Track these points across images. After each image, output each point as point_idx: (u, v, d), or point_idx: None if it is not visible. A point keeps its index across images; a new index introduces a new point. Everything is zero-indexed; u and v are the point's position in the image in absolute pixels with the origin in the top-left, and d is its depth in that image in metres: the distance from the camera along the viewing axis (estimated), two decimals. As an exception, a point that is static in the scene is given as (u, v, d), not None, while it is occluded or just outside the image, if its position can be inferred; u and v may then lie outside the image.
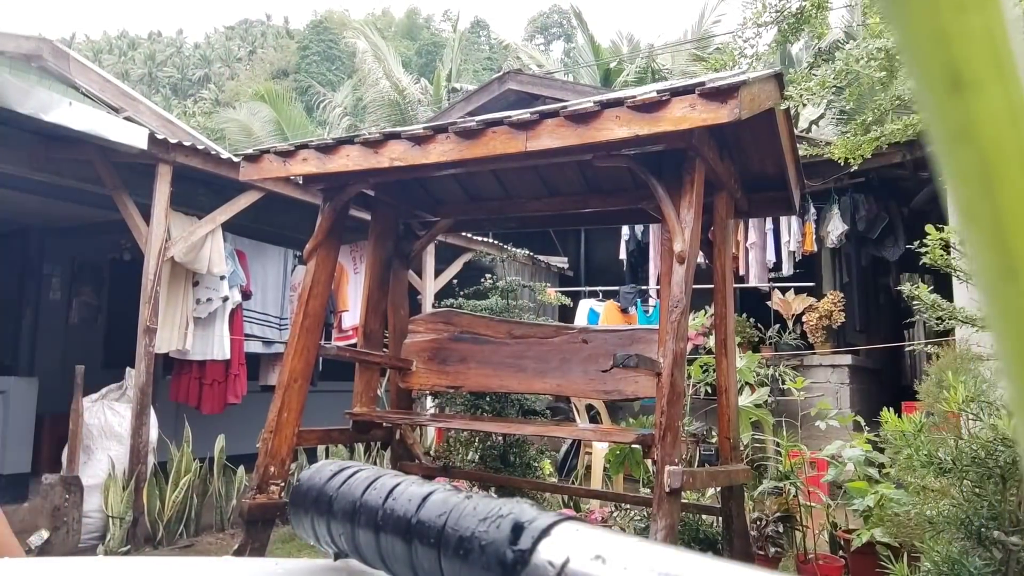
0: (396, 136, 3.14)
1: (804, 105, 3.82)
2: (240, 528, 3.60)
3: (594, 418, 6.49)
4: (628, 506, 4.39)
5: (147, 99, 8.24)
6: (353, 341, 5.77)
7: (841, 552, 3.74)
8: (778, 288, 7.23)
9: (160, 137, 4.75)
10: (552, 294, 7.76)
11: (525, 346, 3.46)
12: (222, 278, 5.35)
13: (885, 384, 7.55)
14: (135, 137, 4.50)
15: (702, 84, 2.58)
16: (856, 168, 4.47)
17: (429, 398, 5.40)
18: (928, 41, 0.14)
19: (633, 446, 4.28)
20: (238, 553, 3.18)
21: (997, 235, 0.14)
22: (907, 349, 6.99)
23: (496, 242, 7.79)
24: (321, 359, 5.02)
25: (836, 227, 6.99)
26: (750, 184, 3.56)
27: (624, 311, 7.80)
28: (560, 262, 9.53)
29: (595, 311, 7.85)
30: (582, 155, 2.90)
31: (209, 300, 5.34)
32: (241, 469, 5.02)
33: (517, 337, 3.53)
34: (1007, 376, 0.15)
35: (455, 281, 6.45)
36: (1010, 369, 0.15)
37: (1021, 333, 0.15)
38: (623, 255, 8.54)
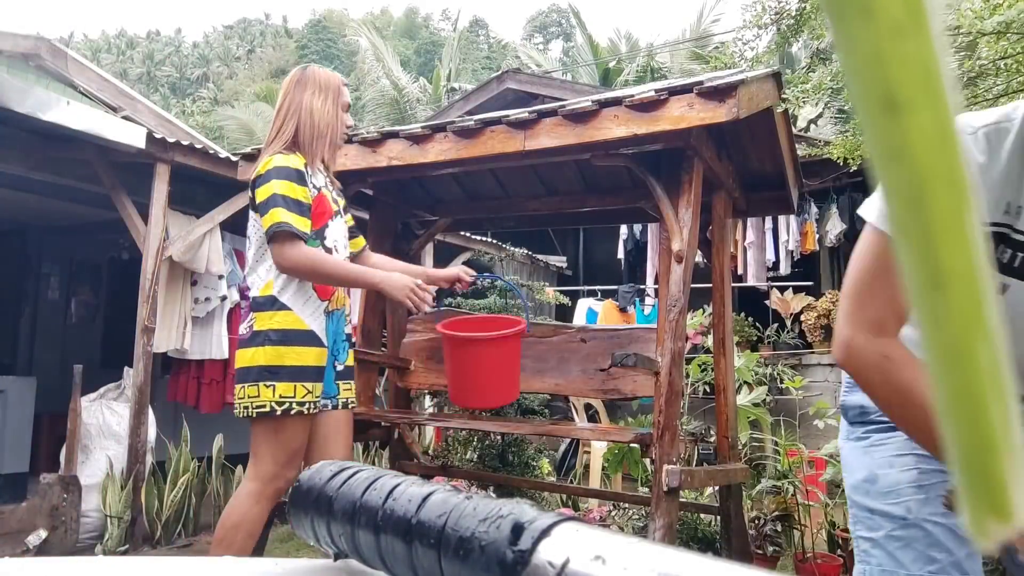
0: (394, 135, 3.15)
1: (802, 105, 3.83)
2: (239, 527, 3.60)
3: (592, 417, 6.50)
4: (626, 505, 4.39)
5: (145, 98, 8.23)
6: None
7: (839, 551, 3.74)
8: (776, 287, 7.24)
9: (158, 136, 4.75)
10: (551, 293, 7.76)
11: (524, 345, 3.46)
12: (220, 277, 5.35)
13: (883, 383, 7.55)
14: (133, 136, 4.50)
15: (700, 83, 2.58)
16: (855, 168, 4.48)
17: (427, 397, 5.41)
18: (866, 64, 0.15)
19: (631, 445, 4.29)
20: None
21: (926, 248, 0.16)
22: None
23: (495, 241, 7.79)
24: (320, 358, 5.01)
25: (835, 226, 7.00)
26: (748, 183, 3.56)
27: (622, 310, 7.80)
28: (559, 261, 9.54)
29: (593, 310, 7.86)
30: (580, 154, 2.90)
31: (207, 299, 5.34)
32: (239, 468, 5.01)
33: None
34: (934, 381, 0.16)
35: (454, 280, 6.44)
36: (936, 374, 0.16)
37: (945, 339, 0.16)
38: (621, 254, 8.55)
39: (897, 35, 0.15)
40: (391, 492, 0.42)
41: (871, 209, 1.11)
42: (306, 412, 2.32)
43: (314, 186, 2.41)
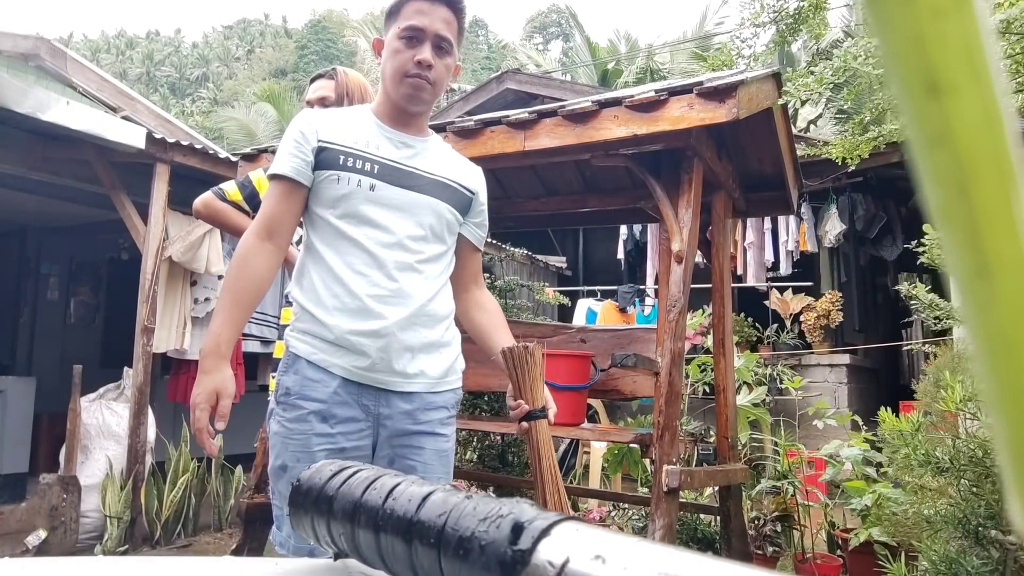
0: (394, 135, 3.13)
1: (803, 103, 3.83)
2: (238, 528, 3.60)
3: (592, 417, 6.50)
4: (626, 505, 4.39)
5: (145, 98, 8.23)
6: (351, 341, 5.75)
7: (839, 551, 3.74)
8: (776, 287, 7.24)
9: (158, 136, 4.75)
10: (550, 293, 7.76)
11: (523, 346, 3.46)
12: (220, 277, 5.35)
13: (883, 383, 7.56)
14: (133, 136, 4.50)
15: (700, 84, 2.58)
16: (854, 168, 4.48)
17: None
18: (906, 46, 0.15)
19: (631, 445, 4.29)
20: (236, 553, 3.18)
21: (971, 235, 0.15)
22: (905, 348, 7.00)
23: (494, 241, 7.79)
24: (319, 359, 5.01)
25: (834, 227, 6.99)
26: (748, 184, 3.56)
27: (622, 310, 7.80)
28: (558, 261, 9.54)
29: (593, 310, 7.85)
30: (580, 155, 2.90)
31: (207, 300, 5.34)
32: (239, 469, 5.02)
33: (515, 336, 3.53)
34: (981, 371, 0.16)
35: (453, 281, 6.43)
36: (983, 364, 0.16)
37: (993, 329, 0.15)
38: (621, 254, 8.55)
39: (938, 16, 0.14)
40: (391, 492, 0.42)
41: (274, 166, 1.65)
42: None
43: None
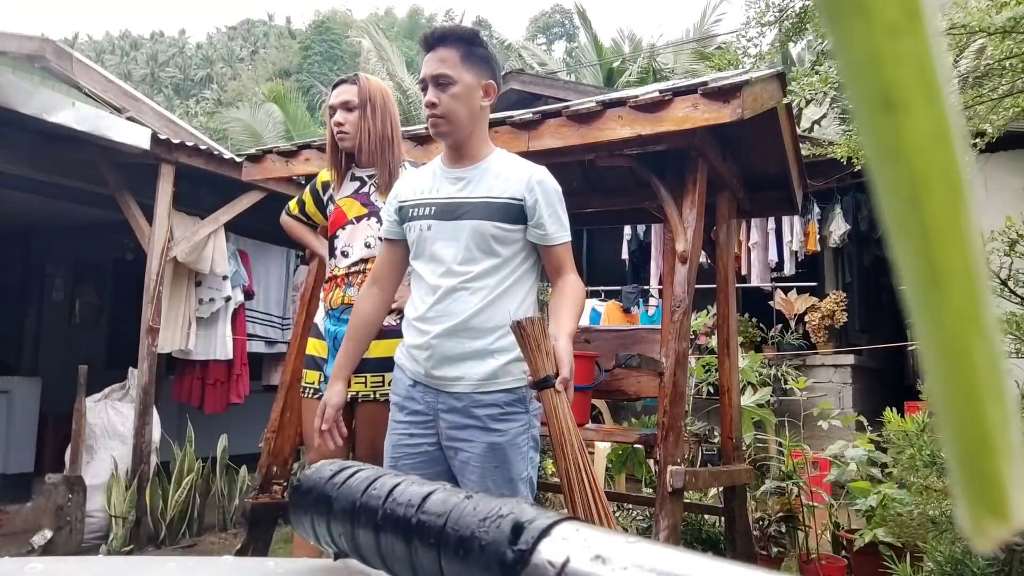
0: (398, 136, 3.13)
1: (807, 103, 3.82)
2: (243, 528, 3.61)
3: (596, 418, 6.49)
4: (630, 506, 4.39)
5: (149, 99, 8.24)
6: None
7: (844, 552, 3.73)
8: (780, 288, 7.22)
9: (163, 137, 4.76)
10: (554, 294, 7.73)
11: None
12: (225, 278, 5.36)
13: (887, 384, 7.54)
14: (138, 137, 4.51)
15: (704, 84, 2.58)
16: (859, 167, 4.46)
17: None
18: (862, 63, 0.15)
19: (635, 446, 4.28)
20: (240, 553, 3.19)
21: (923, 246, 0.16)
22: (910, 349, 6.98)
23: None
24: (323, 359, 5.01)
25: (839, 227, 6.97)
26: (752, 184, 3.55)
27: (626, 311, 7.79)
28: (562, 262, 9.51)
29: (597, 311, 7.84)
30: (584, 155, 2.90)
31: (212, 300, 5.35)
32: (244, 469, 5.03)
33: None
34: (930, 378, 0.16)
35: (457, 281, 6.42)
36: (934, 373, 0.16)
37: (944, 338, 0.16)
38: (625, 255, 8.53)
39: (893, 35, 0.15)
40: (391, 492, 0.42)
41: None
42: (305, 396, 2.60)
43: (330, 199, 2.67)
